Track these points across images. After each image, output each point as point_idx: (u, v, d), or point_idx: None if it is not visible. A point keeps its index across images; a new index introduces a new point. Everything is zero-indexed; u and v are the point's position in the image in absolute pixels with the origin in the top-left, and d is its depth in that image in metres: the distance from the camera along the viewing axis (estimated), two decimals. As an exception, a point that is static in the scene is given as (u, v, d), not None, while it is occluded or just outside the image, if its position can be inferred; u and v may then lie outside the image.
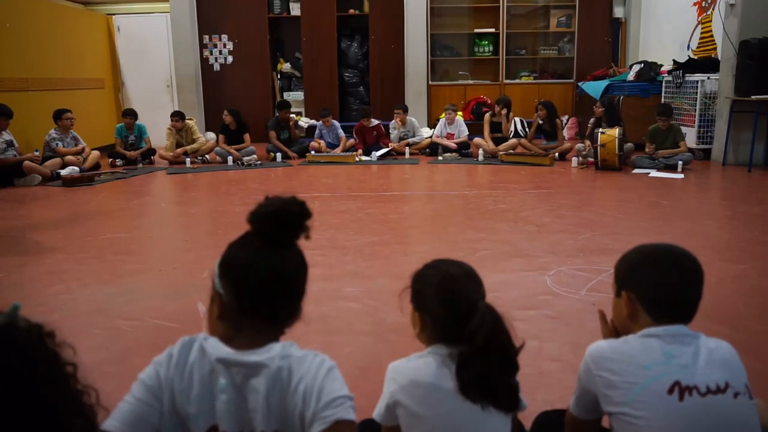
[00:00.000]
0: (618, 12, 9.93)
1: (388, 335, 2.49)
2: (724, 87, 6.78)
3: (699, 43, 7.94)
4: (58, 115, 7.15)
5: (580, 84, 9.26)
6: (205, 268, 3.34)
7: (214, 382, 1.04)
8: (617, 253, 1.38)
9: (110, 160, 7.71)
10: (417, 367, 1.23)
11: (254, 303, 1.08)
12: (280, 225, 1.07)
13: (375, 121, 8.07)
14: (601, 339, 1.35)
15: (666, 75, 7.74)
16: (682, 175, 6.12)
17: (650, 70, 8.10)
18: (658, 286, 1.27)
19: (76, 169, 6.82)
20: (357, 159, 7.64)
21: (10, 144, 6.64)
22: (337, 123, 8.44)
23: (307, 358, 1.08)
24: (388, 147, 7.99)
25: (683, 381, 1.16)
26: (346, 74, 9.87)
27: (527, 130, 7.98)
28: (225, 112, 7.97)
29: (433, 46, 9.80)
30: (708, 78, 7.07)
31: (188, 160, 7.60)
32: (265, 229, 1.07)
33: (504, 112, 7.87)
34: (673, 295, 1.26)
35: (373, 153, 7.79)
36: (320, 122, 8.40)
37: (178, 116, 7.98)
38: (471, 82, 9.86)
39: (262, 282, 1.07)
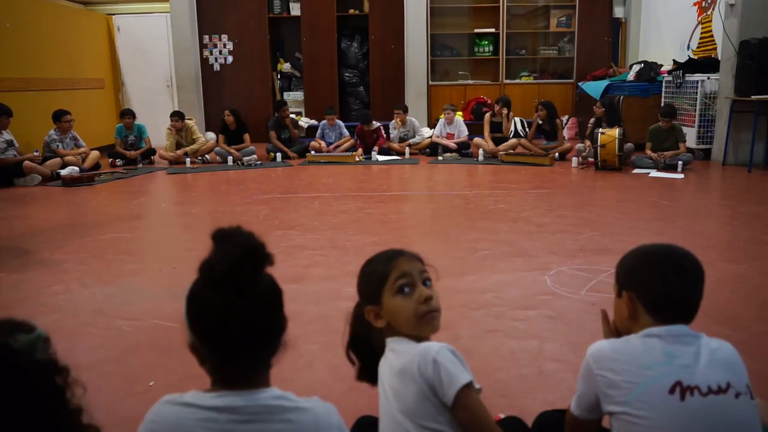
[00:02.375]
0: (618, 12, 9.92)
1: (388, 335, 2.48)
2: (724, 87, 6.78)
3: (699, 43, 7.93)
4: (58, 117, 7.15)
5: (580, 84, 9.26)
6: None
7: None
8: (617, 253, 1.38)
9: (110, 160, 7.72)
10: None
11: (232, 355, 1.01)
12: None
13: (376, 124, 8.07)
14: (602, 339, 1.35)
15: (666, 75, 7.74)
16: (682, 175, 6.12)
17: (650, 70, 8.09)
18: (658, 287, 1.26)
19: (76, 169, 6.83)
20: (357, 159, 7.64)
21: (10, 144, 6.64)
22: (341, 122, 8.45)
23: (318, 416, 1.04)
24: (386, 146, 7.99)
25: (684, 381, 1.16)
26: (346, 74, 9.87)
27: (527, 130, 7.98)
28: (226, 112, 7.97)
29: (433, 46, 9.80)
30: (708, 78, 7.07)
31: (188, 160, 7.60)
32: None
33: (504, 111, 7.87)
34: (673, 295, 1.26)
35: (373, 153, 7.79)
36: (323, 121, 8.41)
37: (177, 116, 7.98)
38: (471, 82, 9.86)
39: (235, 334, 0.99)
